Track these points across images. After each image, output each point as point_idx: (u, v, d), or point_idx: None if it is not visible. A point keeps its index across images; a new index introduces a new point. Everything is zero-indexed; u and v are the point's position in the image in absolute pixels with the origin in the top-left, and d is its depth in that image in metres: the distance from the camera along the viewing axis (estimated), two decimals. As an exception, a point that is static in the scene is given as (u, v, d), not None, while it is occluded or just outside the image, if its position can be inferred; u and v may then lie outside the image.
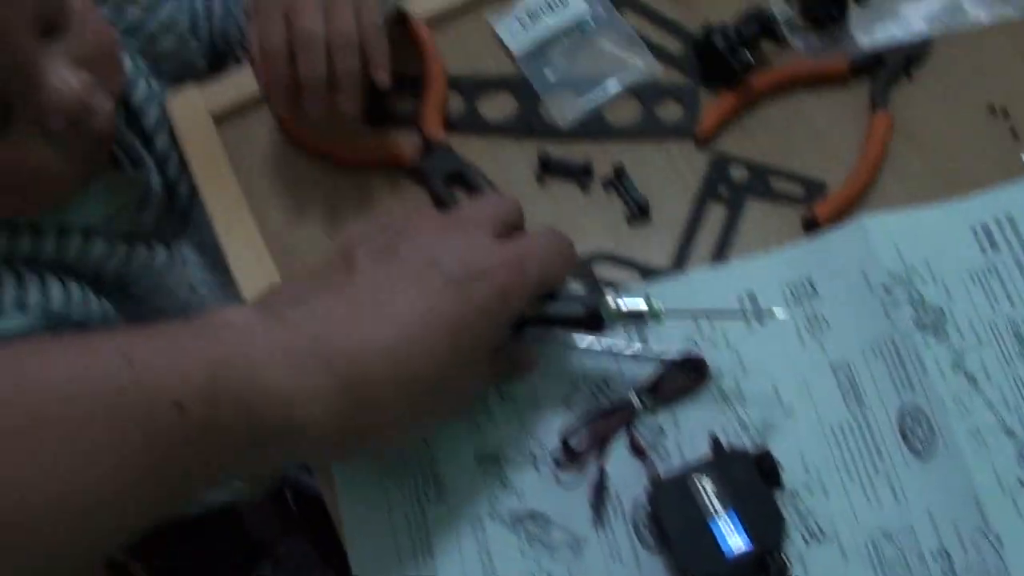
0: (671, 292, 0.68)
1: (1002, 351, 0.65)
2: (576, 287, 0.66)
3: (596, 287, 0.65)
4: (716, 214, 0.71)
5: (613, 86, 0.76)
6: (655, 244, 0.71)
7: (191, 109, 0.77)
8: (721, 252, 0.70)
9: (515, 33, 0.78)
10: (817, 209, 0.70)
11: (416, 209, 0.68)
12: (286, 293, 0.53)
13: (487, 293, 0.52)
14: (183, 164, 0.78)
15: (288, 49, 0.67)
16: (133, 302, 0.79)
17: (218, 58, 0.89)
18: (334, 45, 0.66)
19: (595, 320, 0.59)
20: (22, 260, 0.73)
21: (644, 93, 0.76)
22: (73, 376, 0.44)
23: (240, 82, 0.78)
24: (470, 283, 0.52)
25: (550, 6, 0.78)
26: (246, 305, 0.53)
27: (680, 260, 0.70)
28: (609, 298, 0.60)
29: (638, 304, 0.60)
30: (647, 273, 0.69)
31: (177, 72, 0.85)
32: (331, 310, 0.50)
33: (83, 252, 0.75)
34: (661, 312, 0.60)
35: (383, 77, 0.68)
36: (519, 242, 0.56)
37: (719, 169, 0.72)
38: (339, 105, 0.67)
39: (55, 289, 0.73)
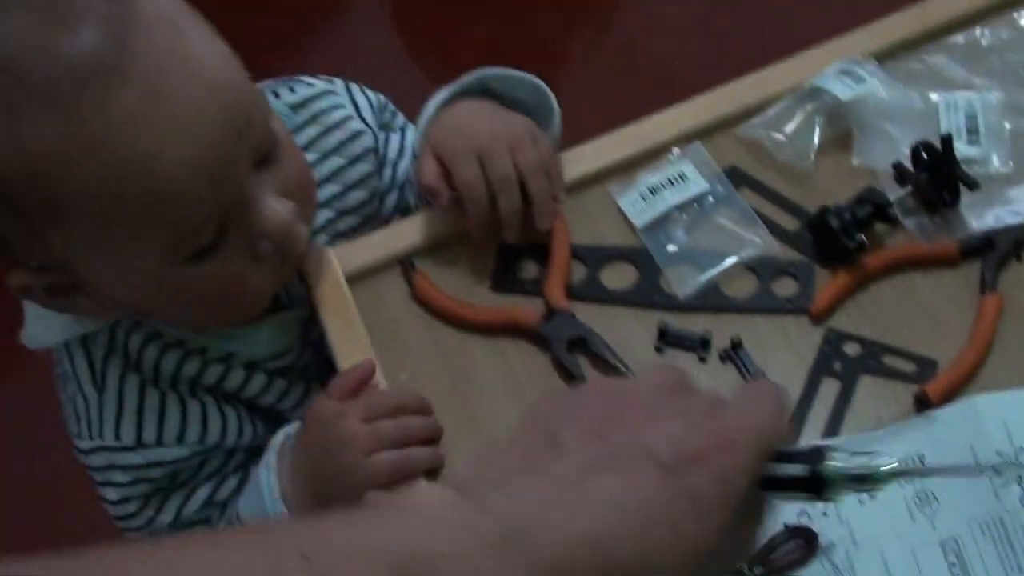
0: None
1: (1111, 536, 0.67)
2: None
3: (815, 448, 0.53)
4: (829, 389, 0.76)
5: (731, 261, 0.82)
6: (769, 415, 0.74)
7: (326, 269, 0.84)
8: (833, 426, 0.74)
9: (637, 206, 0.85)
10: (929, 388, 0.74)
11: (609, 380, 0.70)
12: (487, 469, 0.51)
13: (703, 480, 0.49)
14: None
15: (489, 191, 0.79)
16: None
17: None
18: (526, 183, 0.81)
19: (817, 483, 0.51)
20: (186, 382, 0.82)
21: (761, 268, 0.81)
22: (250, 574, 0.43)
23: (373, 244, 0.86)
24: (684, 471, 0.49)
25: (671, 182, 0.85)
26: (439, 484, 0.55)
27: (794, 432, 0.74)
28: (834, 455, 0.52)
29: (866, 465, 0.51)
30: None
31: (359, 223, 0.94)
32: (537, 494, 0.48)
33: (244, 383, 0.85)
34: (892, 469, 0.52)
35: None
36: (728, 413, 0.53)
37: (833, 345, 0.77)
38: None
39: (213, 418, 0.82)
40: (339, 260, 0.85)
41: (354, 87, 0.94)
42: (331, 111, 0.90)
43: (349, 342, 0.81)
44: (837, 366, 0.77)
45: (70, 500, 1.33)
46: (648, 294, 0.82)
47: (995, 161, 0.84)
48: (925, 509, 0.71)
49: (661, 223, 0.84)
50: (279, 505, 0.76)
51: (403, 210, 0.96)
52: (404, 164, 0.94)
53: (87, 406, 0.81)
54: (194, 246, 0.71)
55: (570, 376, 0.78)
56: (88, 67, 0.63)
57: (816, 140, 0.86)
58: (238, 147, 0.70)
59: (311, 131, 0.89)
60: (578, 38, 2.04)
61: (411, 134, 0.94)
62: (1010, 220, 0.82)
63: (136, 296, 0.75)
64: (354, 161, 0.91)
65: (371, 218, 0.93)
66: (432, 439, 0.76)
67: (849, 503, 0.71)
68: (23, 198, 0.67)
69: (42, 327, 0.81)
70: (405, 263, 0.85)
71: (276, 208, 0.74)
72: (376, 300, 0.85)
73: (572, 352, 0.79)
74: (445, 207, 0.82)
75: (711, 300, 0.81)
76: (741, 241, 0.83)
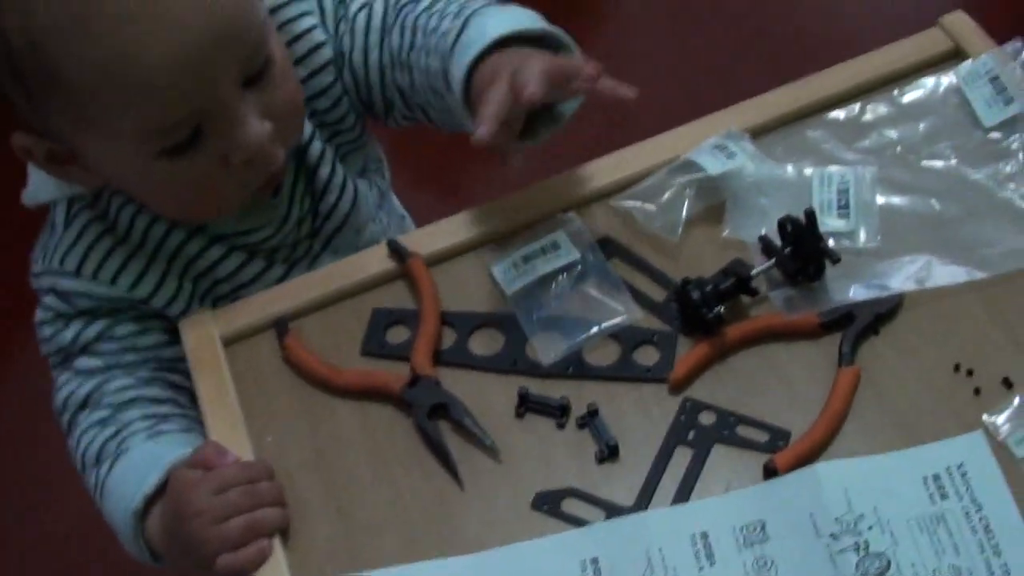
0: (627, 530, 0.79)
1: (941, 601, 0.75)
2: None
3: None
4: (683, 457, 0.84)
5: (595, 329, 0.90)
6: (622, 483, 0.84)
7: (203, 332, 0.93)
8: (683, 494, 0.82)
9: (509, 274, 0.94)
10: (777, 458, 0.82)
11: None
12: None
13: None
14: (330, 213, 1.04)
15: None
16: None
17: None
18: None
19: None
20: (153, 243, 0.98)
21: (624, 337, 0.90)
22: None
23: (251, 306, 0.95)
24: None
25: (543, 251, 0.94)
26: None
27: (643, 500, 0.82)
28: None
29: None
30: (611, 511, 0.81)
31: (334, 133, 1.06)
32: None
33: (201, 253, 0.99)
34: None
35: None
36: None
37: (689, 414, 0.86)
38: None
39: (151, 276, 0.98)
40: (219, 321, 0.94)
41: None
42: (298, 20, 1.00)
43: (218, 403, 0.90)
44: (691, 435, 0.85)
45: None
46: (513, 361, 0.91)
47: (863, 235, 0.93)
48: (763, 573, 0.79)
49: (531, 291, 0.93)
50: (132, 521, 0.90)
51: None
52: (349, 62, 1.03)
53: (51, 239, 0.98)
54: (167, 142, 0.85)
55: (431, 443, 0.87)
56: None
57: (685, 212, 0.95)
58: (222, 59, 0.83)
59: (279, 37, 0.98)
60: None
61: (353, 12, 1.02)
62: (873, 294, 0.90)
63: (119, 180, 0.92)
64: (315, 72, 1.01)
65: (335, 126, 1.05)
66: (279, 502, 0.85)
67: (686, 567, 0.79)
68: (23, 63, 0.81)
69: (39, 186, 0.98)
70: (279, 325, 0.94)
71: (255, 126, 0.86)
72: (251, 362, 0.93)
73: (434, 418, 0.87)
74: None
75: (574, 368, 0.89)
76: (607, 310, 0.91)
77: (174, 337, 0.98)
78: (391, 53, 1.01)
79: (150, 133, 0.85)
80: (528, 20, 0.93)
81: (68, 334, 0.99)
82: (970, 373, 0.86)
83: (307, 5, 1.01)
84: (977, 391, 0.85)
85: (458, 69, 0.90)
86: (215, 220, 0.98)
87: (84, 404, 0.99)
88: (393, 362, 0.92)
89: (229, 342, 0.94)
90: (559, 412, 0.87)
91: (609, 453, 0.85)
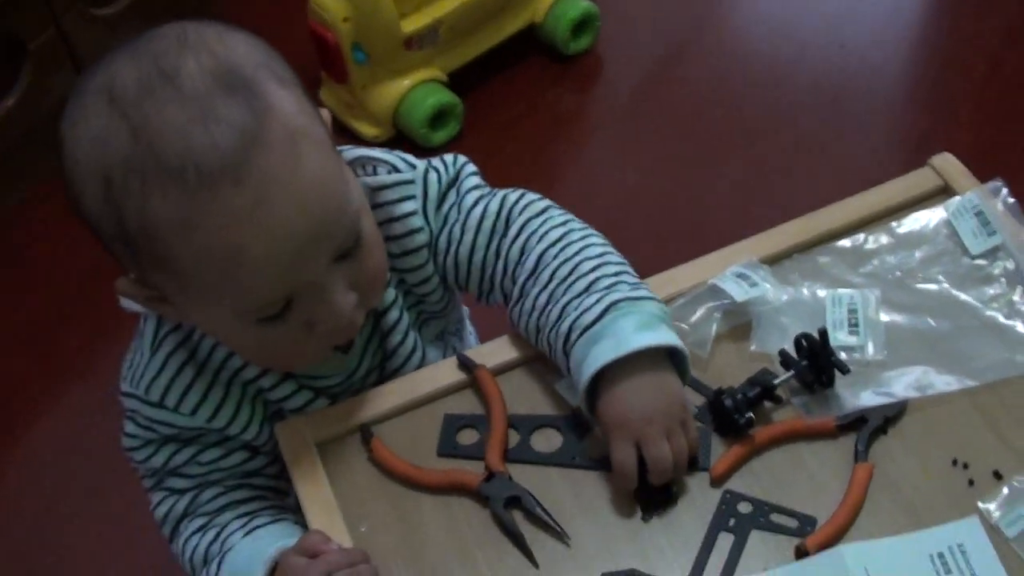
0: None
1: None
2: None
3: None
4: (725, 541, 1.02)
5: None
6: (676, 563, 1.02)
7: (299, 437, 1.10)
8: (728, 573, 1.00)
9: (571, 390, 1.11)
10: (808, 541, 1.00)
11: None
12: None
13: None
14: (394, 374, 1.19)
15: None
16: None
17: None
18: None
19: None
20: (229, 370, 1.11)
21: (669, 437, 1.08)
22: None
23: (338, 414, 1.12)
24: None
25: (595, 365, 1.11)
26: None
27: (693, 577, 1.00)
28: None
29: None
30: (668, 590, 0.99)
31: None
32: None
33: (274, 387, 1.13)
34: None
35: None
36: None
37: (729, 504, 1.04)
38: None
39: (228, 406, 1.12)
40: (311, 427, 1.11)
41: (431, 175, 1.14)
42: (399, 203, 1.12)
43: (317, 498, 1.06)
44: (732, 522, 1.03)
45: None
46: (572, 456, 1.09)
47: (871, 349, 1.12)
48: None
49: (587, 397, 1.11)
50: None
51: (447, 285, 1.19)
52: (453, 253, 1.15)
53: (139, 361, 1.11)
54: (261, 315, 0.97)
55: (507, 530, 1.04)
56: (213, 166, 0.88)
57: (714, 331, 1.14)
58: (317, 250, 0.95)
59: (377, 215, 1.10)
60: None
61: (468, 206, 1.14)
62: (881, 400, 1.09)
63: (212, 332, 1.07)
64: (408, 252, 1.14)
65: (421, 297, 1.19)
66: None
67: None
68: (136, 242, 0.93)
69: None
70: (364, 431, 1.11)
71: (341, 301, 0.99)
72: (342, 462, 1.10)
73: (509, 509, 1.05)
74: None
75: (627, 464, 1.08)
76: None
77: (252, 451, 1.16)
78: (504, 263, 1.13)
79: (247, 310, 0.97)
80: (660, 323, 1.06)
81: (158, 459, 1.14)
82: (966, 466, 1.05)
83: (412, 189, 1.12)
84: (971, 482, 1.04)
85: (583, 357, 1.05)
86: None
87: (182, 516, 1.16)
88: (465, 461, 1.10)
89: (321, 444, 1.11)
90: (665, 491, 1.05)
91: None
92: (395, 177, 1.12)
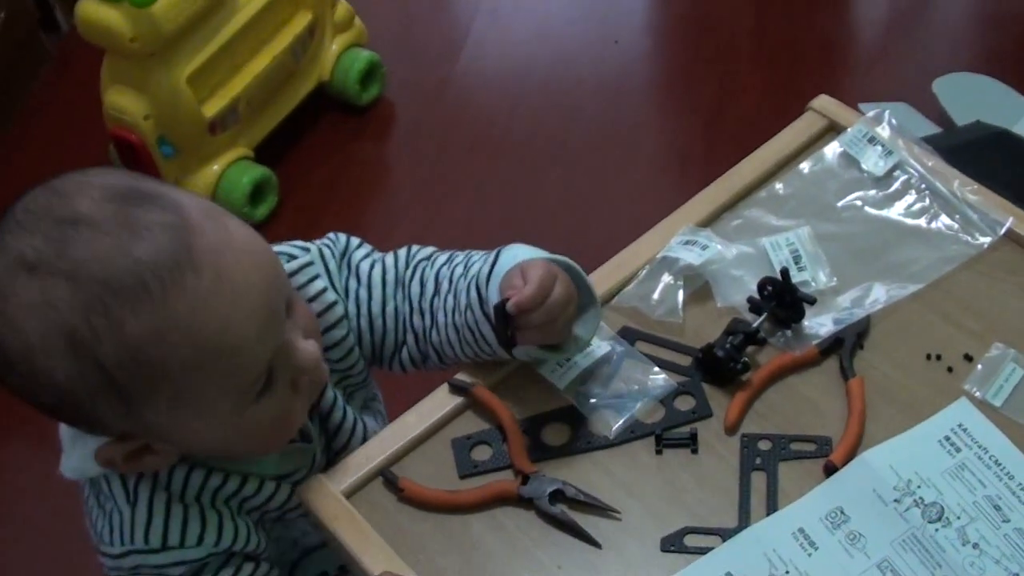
0: (743, 545, 1.05)
1: (989, 521, 1.05)
2: None
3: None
4: (758, 479, 1.11)
5: (646, 399, 1.16)
6: (723, 512, 1.10)
7: (323, 493, 1.13)
8: (772, 506, 1.09)
9: (556, 373, 1.19)
10: (833, 457, 1.10)
11: None
12: None
13: None
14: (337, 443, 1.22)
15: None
16: (280, 529, 1.21)
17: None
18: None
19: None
20: (209, 493, 1.11)
21: (665, 396, 1.17)
22: None
23: (357, 463, 1.15)
24: None
25: (579, 349, 1.19)
26: None
27: (744, 520, 1.09)
28: None
29: None
30: (725, 535, 1.07)
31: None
32: None
33: (258, 491, 1.14)
34: None
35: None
36: None
37: (750, 446, 1.13)
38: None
39: (227, 527, 1.11)
40: (333, 480, 1.14)
41: (325, 250, 1.21)
42: (310, 284, 1.18)
43: (368, 546, 1.09)
44: (758, 461, 1.12)
45: None
46: (588, 441, 1.16)
47: (822, 278, 1.23)
48: (856, 544, 1.06)
49: (581, 381, 1.18)
50: None
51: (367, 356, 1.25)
52: (366, 314, 1.23)
53: (120, 519, 1.09)
54: (256, 389, 1.01)
55: (559, 523, 1.10)
56: (167, 265, 0.92)
57: (681, 297, 1.23)
58: (278, 303, 1.01)
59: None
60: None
61: (366, 271, 1.22)
62: (846, 321, 1.20)
63: (210, 443, 1.05)
64: (330, 328, 1.20)
65: (345, 372, 1.24)
66: None
67: (798, 557, 1.05)
68: (127, 380, 0.94)
69: (81, 461, 1.08)
70: (385, 475, 1.15)
71: (306, 347, 1.05)
72: (374, 504, 1.14)
73: (555, 503, 1.11)
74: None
75: (635, 431, 1.15)
76: (649, 381, 1.18)
77: (255, 561, 1.15)
78: (409, 302, 1.22)
79: (244, 387, 1.00)
80: (547, 253, 1.16)
81: None
82: (939, 358, 1.17)
83: (315, 269, 1.19)
84: (950, 369, 1.17)
85: (494, 292, 1.13)
86: (261, 463, 1.14)
87: None
88: (487, 475, 1.15)
89: (348, 494, 1.14)
90: (691, 440, 1.14)
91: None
92: (297, 263, 1.19)
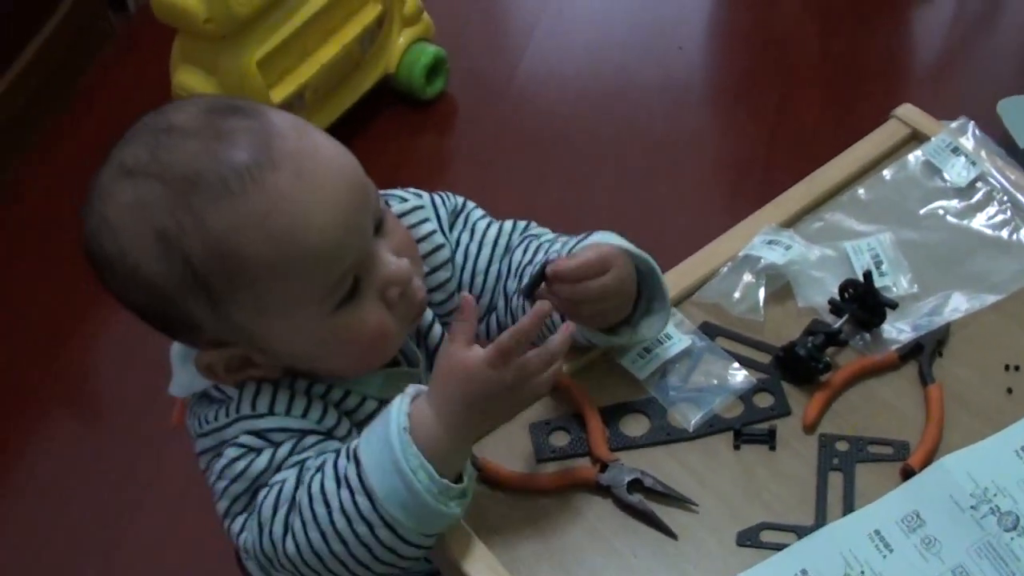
0: (819, 543, 1.06)
1: (1069, 532, 1.05)
2: None
3: None
4: (836, 479, 1.11)
5: (726, 394, 1.16)
6: (799, 510, 1.10)
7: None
8: (848, 506, 1.09)
9: (637, 364, 1.20)
10: (911, 461, 1.10)
11: None
12: None
13: None
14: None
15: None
16: None
17: None
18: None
19: None
20: (318, 396, 1.13)
21: (744, 392, 1.18)
22: None
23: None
24: None
25: (660, 341, 1.20)
26: None
27: (820, 518, 1.09)
28: None
29: None
30: (801, 532, 1.07)
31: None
32: None
33: (359, 407, 1.15)
34: None
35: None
36: None
37: (828, 446, 1.13)
38: None
39: (330, 415, 1.12)
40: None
41: (437, 199, 1.25)
42: (420, 224, 1.21)
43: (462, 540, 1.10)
44: (835, 461, 1.13)
45: None
46: (666, 432, 1.16)
47: (904, 284, 1.24)
48: (932, 549, 1.06)
49: (660, 374, 1.19)
50: (404, 418, 1.02)
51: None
52: (471, 267, 1.24)
53: (228, 400, 1.10)
54: (339, 294, 1.03)
55: (636, 512, 1.11)
56: (247, 164, 0.97)
57: (762, 295, 1.24)
58: (363, 214, 1.03)
59: None
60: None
61: (482, 228, 1.25)
62: (927, 327, 1.20)
63: (301, 349, 1.07)
64: (435, 269, 1.22)
65: (444, 318, 1.25)
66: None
67: (873, 558, 1.06)
68: (209, 274, 0.99)
69: (189, 378, 1.11)
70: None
71: (395, 260, 1.06)
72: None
73: (632, 492, 1.11)
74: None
75: (713, 424, 1.16)
76: (729, 377, 1.19)
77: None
78: (511, 266, 1.24)
79: (324, 292, 1.02)
80: (633, 246, 1.16)
81: (262, 459, 1.08)
82: (1017, 368, 1.18)
83: (426, 212, 1.22)
84: (1028, 380, 1.17)
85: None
86: (365, 383, 1.15)
87: (296, 486, 1.06)
88: (564, 460, 1.16)
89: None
90: (770, 437, 1.15)
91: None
92: (408, 204, 1.22)
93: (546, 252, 1.21)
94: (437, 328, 1.23)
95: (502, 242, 1.25)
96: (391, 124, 2.61)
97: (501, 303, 1.25)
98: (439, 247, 1.23)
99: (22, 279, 2.44)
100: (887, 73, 2.68)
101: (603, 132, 2.59)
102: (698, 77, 2.73)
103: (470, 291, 1.25)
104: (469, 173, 2.55)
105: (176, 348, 1.14)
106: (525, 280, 1.16)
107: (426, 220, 1.23)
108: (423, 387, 1.05)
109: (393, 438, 1.01)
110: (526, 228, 1.28)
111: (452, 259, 1.24)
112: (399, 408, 1.03)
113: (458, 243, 1.25)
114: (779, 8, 2.84)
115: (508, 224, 1.27)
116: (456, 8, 2.87)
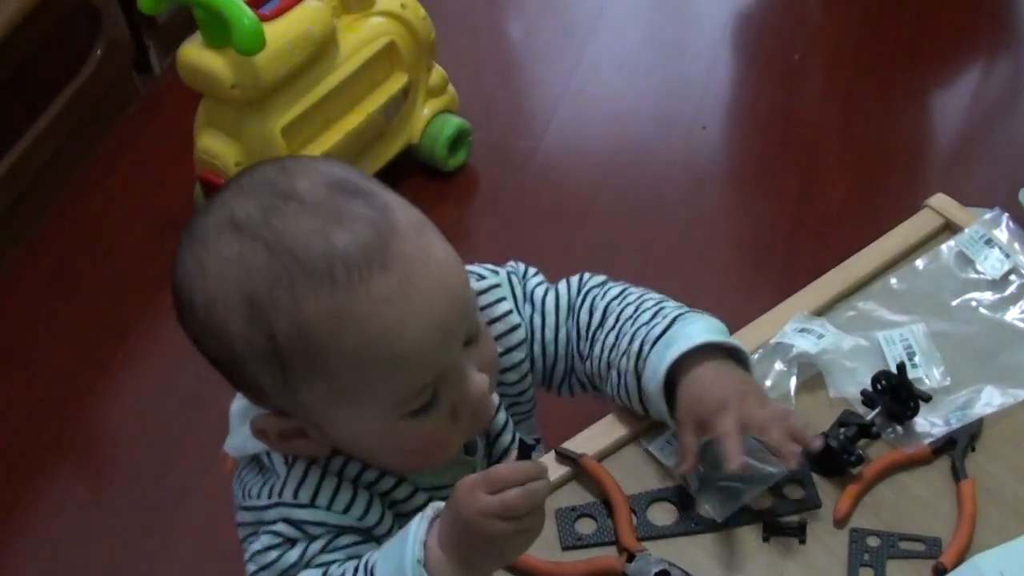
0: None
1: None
2: None
3: None
4: (866, 575, 1.09)
5: (752, 485, 1.15)
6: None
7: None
8: (879, 603, 1.07)
9: (665, 451, 1.19)
10: (943, 559, 1.09)
11: None
12: None
13: None
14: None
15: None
16: None
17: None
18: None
19: None
20: (364, 483, 1.11)
21: (774, 483, 1.16)
22: None
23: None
24: None
25: (689, 431, 1.18)
26: None
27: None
28: None
29: None
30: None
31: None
32: None
33: (408, 499, 1.14)
34: None
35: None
36: None
37: (859, 541, 1.12)
38: None
39: (374, 509, 1.11)
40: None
41: (513, 278, 1.23)
42: (496, 304, 1.20)
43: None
44: (867, 557, 1.11)
45: None
46: (695, 522, 1.15)
47: (937, 376, 1.23)
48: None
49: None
50: (419, 549, 0.99)
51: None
52: (539, 339, 1.23)
53: (275, 479, 1.09)
54: (414, 405, 1.01)
55: (663, 603, 1.09)
56: (360, 258, 0.95)
57: (793, 384, 1.23)
58: (458, 329, 1.01)
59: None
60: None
61: (540, 296, 1.23)
62: (959, 421, 1.19)
63: (358, 441, 1.06)
64: (510, 350, 1.20)
65: (516, 397, 1.24)
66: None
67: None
68: (290, 354, 0.97)
69: (244, 440, 1.10)
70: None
71: (478, 379, 1.04)
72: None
73: (659, 584, 1.10)
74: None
75: (744, 516, 1.15)
76: (757, 468, 1.16)
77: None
78: (578, 328, 1.22)
79: (401, 399, 1.01)
80: (724, 334, 1.17)
81: (294, 553, 1.08)
82: (1051, 467, 1.16)
83: (502, 291, 1.21)
84: (1063, 476, 1.16)
85: (660, 360, 1.14)
86: (417, 473, 1.14)
87: None
88: (589, 549, 1.14)
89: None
90: (800, 531, 1.13)
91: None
92: (486, 283, 1.20)
93: (617, 317, 1.20)
94: (501, 415, 1.21)
95: (563, 304, 1.24)
96: (412, 194, 2.53)
97: (579, 364, 1.25)
98: (515, 327, 1.22)
99: (41, 337, 2.42)
100: (909, 158, 2.67)
101: (626, 207, 2.58)
102: (722, 157, 2.73)
103: (542, 363, 1.25)
104: (489, 245, 2.54)
105: (235, 408, 1.13)
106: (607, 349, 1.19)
107: (503, 299, 1.21)
108: (441, 504, 1.02)
109: (407, 569, 1.00)
110: (582, 281, 1.26)
111: (525, 338, 1.23)
112: (415, 536, 1.01)
113: (524, 317, 1.24)
114: (802, 91, 2.84)
115: (563, 286, 1.26)
116: (480, 82, 2.87)
